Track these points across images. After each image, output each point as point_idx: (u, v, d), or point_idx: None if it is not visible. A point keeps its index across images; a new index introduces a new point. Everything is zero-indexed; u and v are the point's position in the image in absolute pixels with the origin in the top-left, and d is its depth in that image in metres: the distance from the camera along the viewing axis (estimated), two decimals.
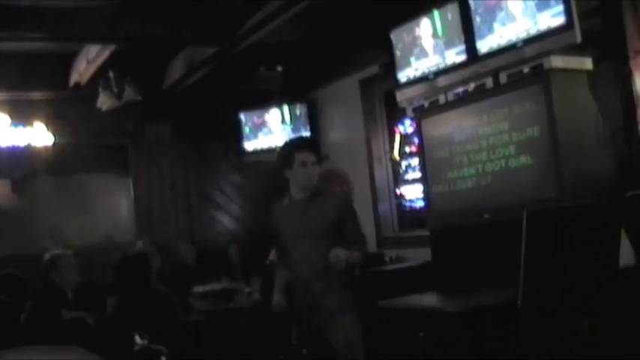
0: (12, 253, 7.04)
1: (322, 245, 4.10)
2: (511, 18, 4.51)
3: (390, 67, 5.72)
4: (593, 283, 3.05)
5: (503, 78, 4.66)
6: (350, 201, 4.53)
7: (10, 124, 7.20)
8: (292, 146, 4.37)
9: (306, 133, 7.95)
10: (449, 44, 5.02)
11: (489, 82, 4.77)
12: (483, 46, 4.73)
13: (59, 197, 8.02)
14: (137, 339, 4.30)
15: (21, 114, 7.31)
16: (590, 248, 3.06)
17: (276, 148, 7.87)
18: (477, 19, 4.75)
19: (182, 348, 4.93)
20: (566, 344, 3.02)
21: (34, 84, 7.41)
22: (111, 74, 7.18)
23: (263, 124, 8.12)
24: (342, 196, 4.79)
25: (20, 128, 7.26)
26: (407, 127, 6.95)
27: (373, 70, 7.02)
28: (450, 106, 5.15)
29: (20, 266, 5.41)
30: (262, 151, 8.07)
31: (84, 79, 7.33)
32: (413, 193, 6.94)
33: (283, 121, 8.03)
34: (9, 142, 7.20)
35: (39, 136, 7.34)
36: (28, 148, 7.31)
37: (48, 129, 7.40)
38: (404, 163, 7.10)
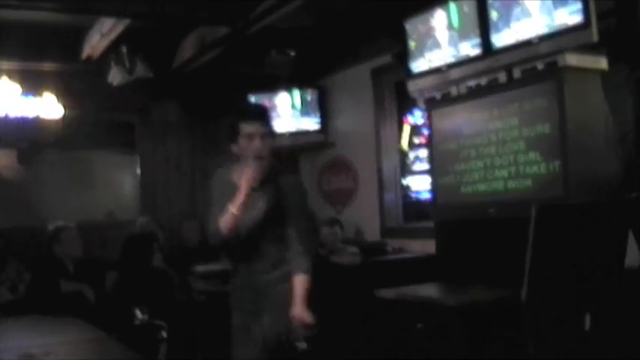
0: (16, 225, 7.05)
1: (268, 231, 3.63)
2: (527, 13, 4.49)
3: (403, 57, 5.70)
4: (597, 282, 3.05)
5: (516, 73, 4.64)
6: (300, 182, 3.93)
7: (21, 94, 7.19)
8: (237, 115, 3.66)
9: (316, 119, 7.92)
10: (464, 37, 5.01)
11: (502, 77, 4.75)
12: (498, 40, 4.71)
13: (64, 171, 8.01)
14: (138, 314, 4.32)
15: (31, 84, 7.28)
16: (597, 247, 3.06)
17: (284, 132, 7.92)
18: (494, 13, 4.73)
19: (180, 327, 4.95)
20: (567, 341, 3.02)
21: (45, 55, 7.38)
22: (124, 49, 7.16)
23: (272, 107, 8.06)
24: (293, 178, 3.89)
25: (30, 98, 7.24)
26: (417, 117, 6.94)
27: (385, 59, 6.99)
28: (461, 98, 5.14)
29: (23, 237, 5.39)
30: None
31: (96, 53, 7.31)
32: (419, 185, 6.92)
33: (293, 105, 7.99)
34: (18, 112, 7.18)
35: (48, 107, 7.33)
36: (37, 119, 7.29)
37: (58, 101, 7.38)
38: (412, 154, 7.08)
